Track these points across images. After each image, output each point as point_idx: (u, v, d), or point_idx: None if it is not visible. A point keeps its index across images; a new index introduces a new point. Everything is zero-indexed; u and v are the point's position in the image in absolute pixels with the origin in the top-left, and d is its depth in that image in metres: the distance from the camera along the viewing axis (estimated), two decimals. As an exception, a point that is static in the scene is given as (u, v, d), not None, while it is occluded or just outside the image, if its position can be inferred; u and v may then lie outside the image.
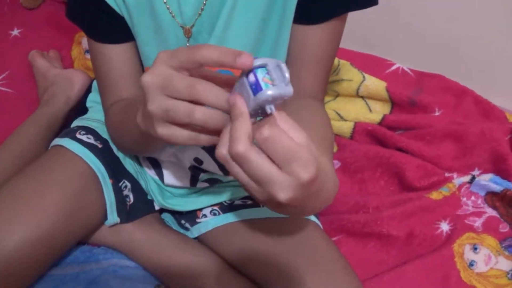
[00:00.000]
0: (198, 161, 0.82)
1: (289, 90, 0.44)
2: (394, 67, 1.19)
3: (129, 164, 0.87)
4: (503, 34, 1.15)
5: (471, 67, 1.19)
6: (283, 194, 0.43)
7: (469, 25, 1.17)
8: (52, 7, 1.30)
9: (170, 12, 0.68)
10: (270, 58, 0.45)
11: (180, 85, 0.46)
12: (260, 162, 0.43)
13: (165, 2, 0.67)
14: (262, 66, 0.44)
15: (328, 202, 0.55)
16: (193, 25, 0.69)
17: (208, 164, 0.82)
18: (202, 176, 0.84)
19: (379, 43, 1.24)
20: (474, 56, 1.19)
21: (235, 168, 0.45)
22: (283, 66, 0.44)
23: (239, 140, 0.43)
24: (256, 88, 0.44)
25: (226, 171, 0.83)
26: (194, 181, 0.85)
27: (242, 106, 0.44)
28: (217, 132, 0.48)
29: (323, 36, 0.70)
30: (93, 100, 0.95)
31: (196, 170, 0.84)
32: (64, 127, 0.99)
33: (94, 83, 0.97)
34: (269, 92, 0.43)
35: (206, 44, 0.45)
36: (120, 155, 0.86)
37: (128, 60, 0.75)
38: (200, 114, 0.47)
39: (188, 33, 0.70)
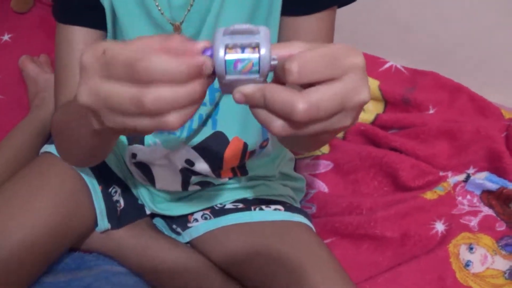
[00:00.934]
0: (189, 162, 0.81)
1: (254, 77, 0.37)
2: (387, 65, 1.18)
3: (117, 168, 0.86)
4: (497, 30, 1.14)
5: (466, 63, 1.18)
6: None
7: (462, 21, 1.16)
8: (42, 11, 1.29)
9: (160, 9, 0.67)
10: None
11: (123, 102, 0.37)
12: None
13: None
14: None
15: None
16: (182, 21, 0.68)
17: (200, 165, 0.81)
18: (194, 179, 0.84)
19: (371, 40, 1.23)
20: (469, 53, 1.18)
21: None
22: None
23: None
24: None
25: (217, 173, 0.82)
26: (185, 184, 0.84)
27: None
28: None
29: (314, 27, 0.68)
30: None
31: (187, 173, 0.83)
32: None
33: None
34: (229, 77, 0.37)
35: (147, 56, 0.35)
36: (108, 160, 0.85)
37: None
38: (173, 118, 0.37)
39: (178, 30, 0.69)
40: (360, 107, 0.39)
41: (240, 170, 0.84)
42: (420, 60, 1.17)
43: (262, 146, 0.81)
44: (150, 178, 0.84)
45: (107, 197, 0.82)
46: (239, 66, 0.37)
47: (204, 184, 0.85)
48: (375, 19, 1.22)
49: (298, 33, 0.68)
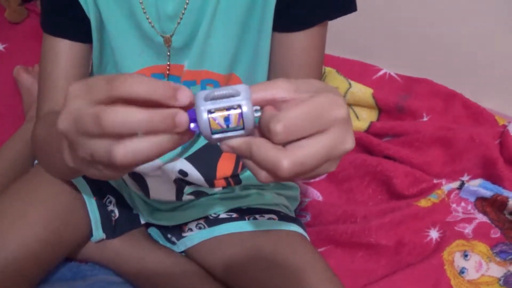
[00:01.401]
0: (182, 173, 0.81)
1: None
2: (381, 73, 1.18)
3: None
4: (490, 36, 1.14)
5: (459, 70, 1.19)
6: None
7: (456, 28, 1.16)
8: (36, 21, 1.29)
9: (150, 22, 0.67)
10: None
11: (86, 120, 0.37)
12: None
13: (144, 12, 0.67)
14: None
15: None
16: (172, 34, 0.68)
17: (193, 175, 0.81)
18: (187, 189, 0.84)
19: (365, 48, 1.24)
20: (462, 59, 1.18)
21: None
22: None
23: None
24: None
25: (211, 183, 0.83)
26: (179, 194, 0.84)
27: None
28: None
29: (305, 43, 0.69)
30: None
31: (181, 183, 0.83)
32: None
33: None
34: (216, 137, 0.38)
35: (129, 75, 0.36)
36: None
37: (77, 63, 0.71)
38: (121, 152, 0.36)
39: (168, 42, 0.69)
40: (344, 154, 0.40)
41: (233, 180, 0.84)
42: (414, 67, 1.18)
43: None
44: (144, 189, 0.85)
45: (102, 207, 0.82)
46: (224, 125, 0.38)
47: (198, 194, 0.85)
48: (369, 27, 1.22)
49: (289, 49, 0.69)
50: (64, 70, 0.70)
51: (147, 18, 0.67)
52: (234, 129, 0.38)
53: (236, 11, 0.67)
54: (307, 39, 0.68)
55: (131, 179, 0.85)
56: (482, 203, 0.98)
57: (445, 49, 1.19)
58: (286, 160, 0.36)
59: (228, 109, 0.37)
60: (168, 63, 0.71)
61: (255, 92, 0.38)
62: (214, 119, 0.37)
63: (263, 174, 0.38)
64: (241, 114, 0.37)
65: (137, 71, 0.71)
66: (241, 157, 0.40)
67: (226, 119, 0.37)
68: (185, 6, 0.66)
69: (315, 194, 1.00)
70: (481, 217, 0.97)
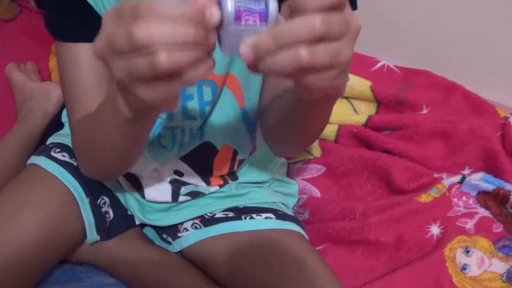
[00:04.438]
0: (178, 173, 0.80)
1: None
2: (379, 65, 1.16)
3: None
4: (490, 27, 1.12)
5: (459, 61, 1.17)
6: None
7: (455, 18, 1.14)
8: (29, 17, 1.26)
9: None
10: None
11: (119, 40, 0.39)
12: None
13: None
14: None
15: None
16: None
17: (189, 175, 0.80)
18: (183, 190, 0.82)
19: (362, 39, 1.20)
20: (462, 50, 1.16)
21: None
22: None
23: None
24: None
25: (207, 181, 0.81)
26: (175, 195, 0.83)
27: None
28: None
29: None
30: None
31: (177, 184, 0.82)
32: (42, 142, 0.96)
33: None
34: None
35: (153, 5, 0.37)
36: None
37: (99, 65, 0.67)
38: (163, 56, 0.37)
39: None
40: (356, 34, 0.42)
41: (230, 177, 0.82)
42: (413, 59, 1.15)
43: (250, 153, 0.80)
44: (139, 190, 0.83)
45: (96, 209, 0.81)
46: (247, 17, 0.39)
47: (194, 195, 0.83)
48: (366, 18, 1.19)
49: None
50: (90, 76, 0.67)
51: None
52: (256, 23, 0.39)
53: None
54: None
55: (126, 181, 0.83)
56: (484, 197, 0.97)
57: (445, 40, 1.16)
58: (318, 15, 0.38)
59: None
60: None
61: None
62: (238, 9, 0.39)
63: (299, 51, 0.38)
64: (265, 12, 0.39)
65: None
66: (263, 62, 0.40)
67: (250, 10, 0.39)
68: None
69: (313, 191, 0.98)
70: (483, 212, 0.96)
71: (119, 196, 0.86)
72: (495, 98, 1.12)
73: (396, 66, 1.16)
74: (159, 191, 0.82)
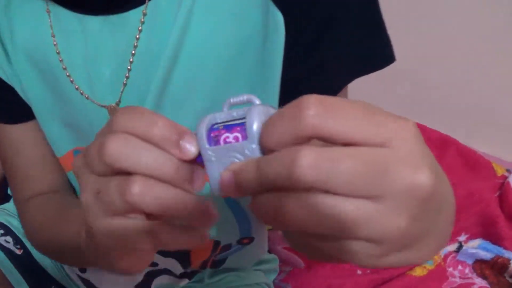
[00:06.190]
0: (152, 264, 0.67)
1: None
2: (367, 115, 1.08)
3: (55, 270, 0.74)
4: (483, 75, 1.05)
5: (452, 111, 1.10)
6: None
7: (446, 68, 1.08)
8: None
9: (81, 93, 0.53)
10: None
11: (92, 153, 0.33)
12: None
13: (69, 77, 0.52)
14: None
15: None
16: (119, 101, 0.53)
17: (165, 263, 0.67)
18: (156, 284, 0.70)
19: (350, 88, 1.13)
20: (454, 100, 1.09)
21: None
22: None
23: None
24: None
25: (186, 264, 0.68)
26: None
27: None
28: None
29: None
30: None
31: (148, 277, 0.69)
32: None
33: None
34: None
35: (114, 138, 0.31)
36: (44, 262, 0.73)
37: (40, 142, 0.60)
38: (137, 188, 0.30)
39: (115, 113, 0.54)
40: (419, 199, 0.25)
41: (212, 264, 0.71)
42: (404, 109, 1.08)
43: (241, 243, 0.68)
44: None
45: None
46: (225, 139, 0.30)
47: None
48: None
49: None
50: (32, 157, 0.61)
51: (76, 88, 0.53)
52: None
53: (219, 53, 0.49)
54: None
55: (81, 283, 0.72)
56: (481, 265, 0.90)
57: (437, 90, 1.10)
58: (307, 150, 0.25)
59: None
60: None
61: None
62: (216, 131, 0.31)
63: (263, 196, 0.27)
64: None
65: (75, 148, 0.59)
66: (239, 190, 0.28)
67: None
68: (129, 67, 0.50)
69: (297, 261, 0.89)
70: (479, 282, 0.88)
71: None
72: (490, 150, 1.05)
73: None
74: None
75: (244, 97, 0.31)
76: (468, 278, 0.89)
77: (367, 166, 0.24)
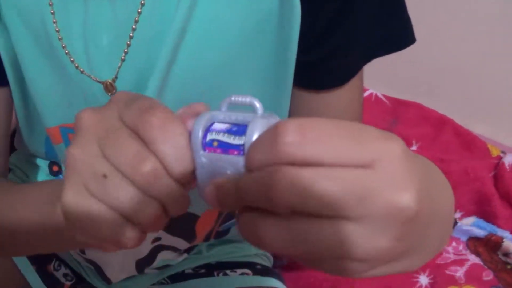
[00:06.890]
0: (156, 238, 0.67)
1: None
2: (367, 93, 1.09)
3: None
4: (482, 58, 1.07)
5: (450, 92, 1.11)
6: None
7: (446, 48, 1.09)
8: None
9: (76, 66, 0.50)
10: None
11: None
12: None
13: (64, 48, 0.49)
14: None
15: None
16: (115, 77, 0.50)
17: (168, 240, 0.66)
18: (155, 264, 0.70)
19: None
20: (453, 82, 1.10)
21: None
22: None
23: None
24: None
25: (192, 239, 0.68)
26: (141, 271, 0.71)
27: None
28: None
29: (347, 100, 0.52)
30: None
31: (154, 251, 0.69)
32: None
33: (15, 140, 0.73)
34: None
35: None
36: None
37: (3, 119, 0.56)
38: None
39: (110, 89, 0.51)
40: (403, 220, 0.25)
41: (216, 234, 0.72)
42: (403, 87, 1.09)
43: None
44: (102, 275, 0.72)
45: (48, 277, 0.70)
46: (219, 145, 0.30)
47: (163, 267, 0.72)
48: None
49: (322, 111, 0.52)
50: None
51: (72, 61, 0.50)
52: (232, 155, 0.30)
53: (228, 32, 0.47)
54: (348, 93, 0.51)
55: (85, 262, 0.72)
56: (475, 243, 0.92)
57: (436, 69, 1.10)
58: (284, 171, 0.25)
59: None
60: None
61: None
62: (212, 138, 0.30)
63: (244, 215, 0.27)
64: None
65: (62, 125, 0.55)
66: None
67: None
68: (126, 48, 0.48)
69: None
70: (473, 259, 0.90)
71: (73, 266, 0.75)
72: (486, 132, 1.07)
73: (385, 96, 1.09)
74: (125, 273, 0.70)
75: (247, 99, 0.30)
76: (462, 254, 0.91)
77: (344, 188, 0.24)
